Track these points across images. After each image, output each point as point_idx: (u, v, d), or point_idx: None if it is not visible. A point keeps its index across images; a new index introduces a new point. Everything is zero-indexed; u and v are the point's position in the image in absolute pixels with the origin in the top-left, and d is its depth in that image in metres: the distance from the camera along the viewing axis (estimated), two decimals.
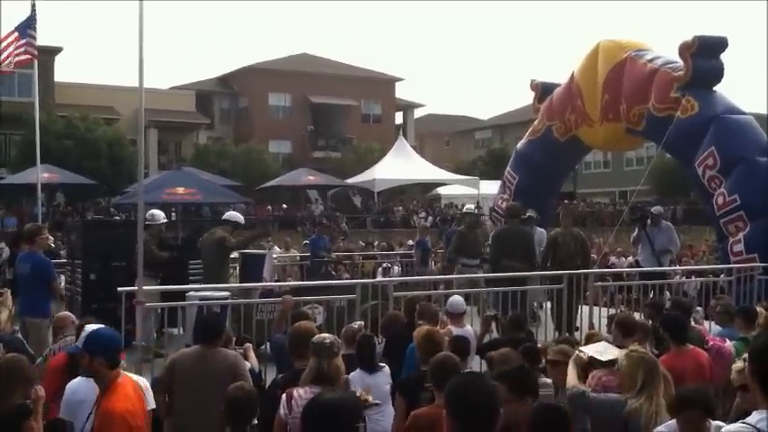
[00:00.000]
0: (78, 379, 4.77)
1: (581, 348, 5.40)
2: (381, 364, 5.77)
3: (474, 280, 10.70)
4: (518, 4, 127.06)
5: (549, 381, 5.38)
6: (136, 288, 7.10)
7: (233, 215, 10.63)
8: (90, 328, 4.41)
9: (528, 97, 15.51)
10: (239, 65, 48.01)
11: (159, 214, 10.53)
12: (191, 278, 10.82)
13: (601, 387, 4.94)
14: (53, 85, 35.80)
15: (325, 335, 4.81)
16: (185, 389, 5.18)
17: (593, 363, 5.10)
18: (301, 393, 4.44)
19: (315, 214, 31.41)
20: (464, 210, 13.41)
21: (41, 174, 13.86)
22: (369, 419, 4.76)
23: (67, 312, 7.00)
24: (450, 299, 7.54)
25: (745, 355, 3.62)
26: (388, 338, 6.75)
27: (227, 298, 8.27)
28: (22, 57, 11.58)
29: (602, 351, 5.18)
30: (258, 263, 10.96)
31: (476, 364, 6.89)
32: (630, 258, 16.87)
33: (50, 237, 9.65)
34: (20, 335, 7.49)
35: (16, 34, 11.57)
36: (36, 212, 14.35)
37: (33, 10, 11.64)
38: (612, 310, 9.78)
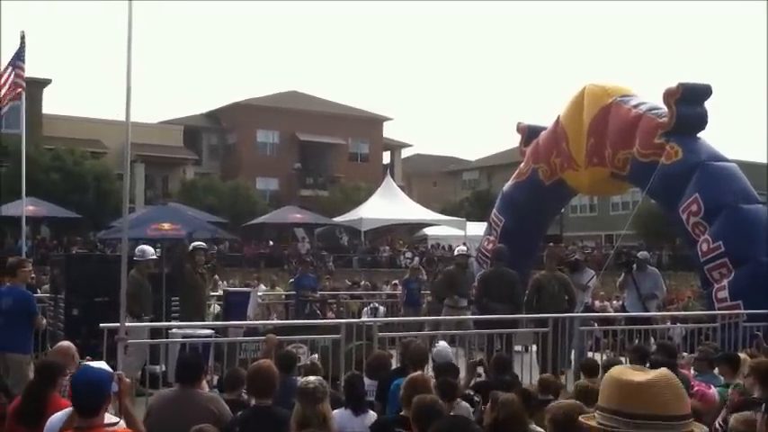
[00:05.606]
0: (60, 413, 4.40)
1: None
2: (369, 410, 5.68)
3: (461, 321, 10.63)
4: (507, 47, 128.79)
5: (540, 429, 5.32)
6: (118, 324, 7.02)
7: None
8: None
9: (515, 139, 15.61)
10: (228, 101, 48.25)
11: (148, 250, 10.38)
12: (173, 315, 10.74)
13: None
14: (41, 117, 35.63)
15: (310, 378, 4.70)
16: (163, 430, 5.08)
17: None
18: None
19: (301, 252, 31.32)
20: (456, 251, 13.09)
21: (26, 206, 13.77)
22: None
23: (69, 343, 6.14)
24: (437, 349, 7.33)
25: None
26: (380, 382, 6.63)
27: (210, 336, 8.20)
28: (14, 92, 11.45)
29: None
30: (242, 301, 10.91)
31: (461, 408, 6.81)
32: (615, 302, 16.87)
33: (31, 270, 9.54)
34: None
35: (9, 68, 11.46)
36: (20, 246, 14.21)
37: (23, 41, 11.58)
38: (598, 355, 9.76)
